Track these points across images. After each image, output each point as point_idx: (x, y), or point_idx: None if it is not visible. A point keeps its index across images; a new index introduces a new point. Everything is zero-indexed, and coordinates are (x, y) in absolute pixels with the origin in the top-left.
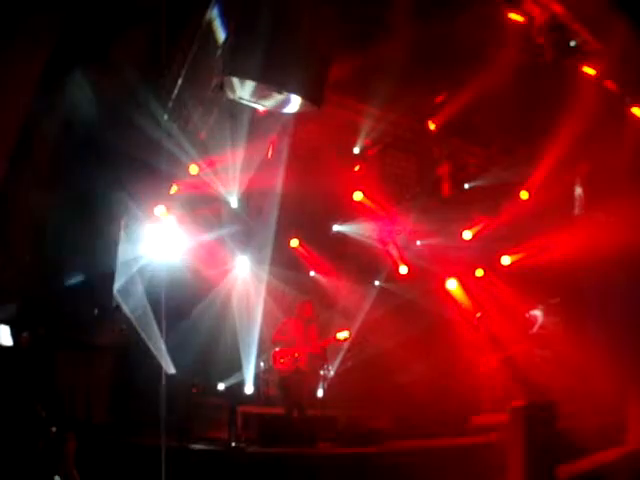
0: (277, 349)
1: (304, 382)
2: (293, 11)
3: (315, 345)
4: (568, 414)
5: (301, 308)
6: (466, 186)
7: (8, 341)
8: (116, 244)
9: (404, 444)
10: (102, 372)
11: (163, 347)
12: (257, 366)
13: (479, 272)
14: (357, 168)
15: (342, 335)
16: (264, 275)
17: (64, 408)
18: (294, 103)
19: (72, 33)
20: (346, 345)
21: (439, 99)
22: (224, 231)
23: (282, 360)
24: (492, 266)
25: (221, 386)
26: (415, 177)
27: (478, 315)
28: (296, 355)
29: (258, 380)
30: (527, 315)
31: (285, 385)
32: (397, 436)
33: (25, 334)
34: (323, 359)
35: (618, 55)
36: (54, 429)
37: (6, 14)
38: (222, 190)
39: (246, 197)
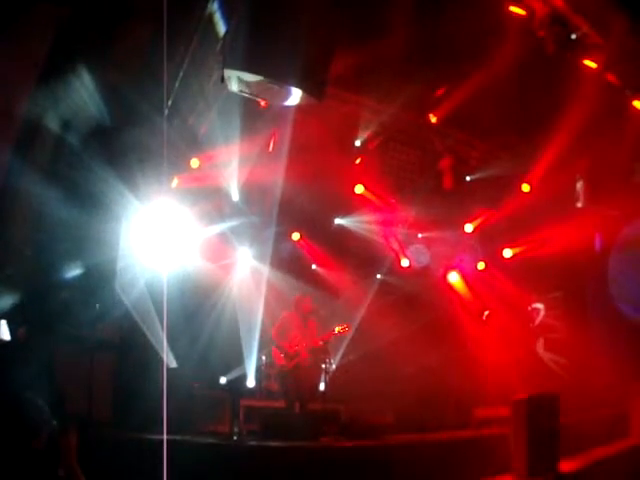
0: (277, 345)
1: (305, 376)
2: (294, 4)
3: (315, 339)
4: (571, 407)
5: (299, 303)
6: (468, 179)
7: (6, 335)
8: (117, 238)
9: (407, 437)
10: (103, 367)
11: (164, 341)
12: (258, 359)
13: (481, 265)
14: (358, 161)
15: (339, 328)
16: (265, 269)
17: (65, 403)
18: (295, 96)
19: (74, 25)
20: (348, 338)
21: (440, 92)
22: (225, 225)
23: (283, 355)
24: (494, 259)
25: (223, 380)
26: (416, 170)
27: (486, 313)
28: (297, 349)
29: (259, 374)
30: (529, 308)
31: (286, 380)
32: (400, 429)
33: (22, 328)
34: (325, 353)
35: (619, 48)
36: (55, 423)
37: (9, 5)
38: (223, 184)
39: (247, 191)
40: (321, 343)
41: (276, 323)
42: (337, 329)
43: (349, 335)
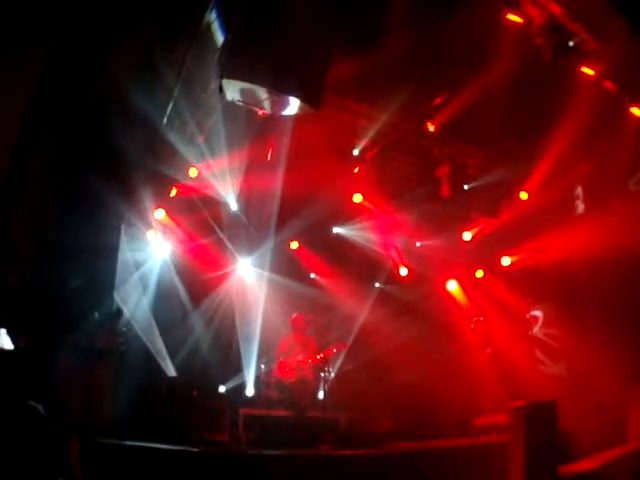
0: (281, 359)
1: (306, 387)
2: (291, 13)
3: (315, 357)
4: (569, 414)
5: (295, 321)
6: (466, 187)
7: (8, 345)
8: (116, 248)
9: (405, 445)
10: (103, 376)
11: (164, 350)
12: (258, 368)
13: (479, 273)
14: (357, 170)
15: (336, 347)
16: (264, 277)
17: (66, 412)
18: (293, 105)
19: (69, 36)
20: (347, 347)
21: (438, 100)
22: (224, 234)
23: (288, 369)
24: (492, 267)
25: (222, 389)
26: (415, 178)
27: (475, 320)
28: (301, 366)
29: (259, 382)
30: (528, 315)
31: (286, 389)
32: (399, 437)
33: (22, 337)
34: (325, 364)
35: (617, 55)
36: (56, 432)
37: (4, 17)
38: (221, 193)
39: (245, 200)
40: (322, 360)
41: (278, 345)
42: (334, 349)
43: (348, 344)
